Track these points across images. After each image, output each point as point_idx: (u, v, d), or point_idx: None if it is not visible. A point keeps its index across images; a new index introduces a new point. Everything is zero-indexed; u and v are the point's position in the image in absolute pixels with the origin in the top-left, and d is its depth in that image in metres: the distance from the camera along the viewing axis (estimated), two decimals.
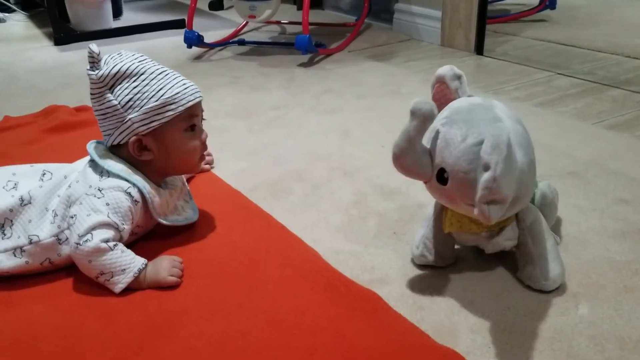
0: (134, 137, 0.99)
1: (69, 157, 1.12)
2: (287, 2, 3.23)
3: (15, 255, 0.96)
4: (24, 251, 0.96)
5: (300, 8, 3.12)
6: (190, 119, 1.01)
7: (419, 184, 1.24)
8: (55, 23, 2.58)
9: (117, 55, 0.99)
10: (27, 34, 2.84)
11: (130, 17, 3.08)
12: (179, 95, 0.99)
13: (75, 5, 2.70)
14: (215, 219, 1.12)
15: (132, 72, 0.97)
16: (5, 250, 0.96)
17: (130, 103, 0.97)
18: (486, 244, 0.94)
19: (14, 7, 3.30)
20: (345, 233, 1.09)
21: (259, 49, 2.43)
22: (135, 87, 0.97)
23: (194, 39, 2.27)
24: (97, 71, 0.97)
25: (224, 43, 2.47)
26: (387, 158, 1.38)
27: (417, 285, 0.94)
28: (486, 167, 0.76)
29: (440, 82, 0.92)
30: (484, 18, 2.24)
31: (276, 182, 1.29)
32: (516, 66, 2.10)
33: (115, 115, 0.98)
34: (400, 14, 2.62)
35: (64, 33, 2.61)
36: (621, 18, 2.87)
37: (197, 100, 1.01)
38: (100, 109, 0.99)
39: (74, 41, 2.59)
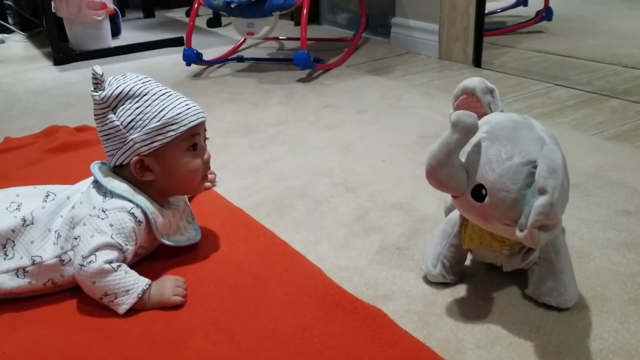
0: (135, 158, 0.99)
1: (71, 177, 1.12)
2: (284, 18, 3.25)
3: (17, 276, 0.96)
4: (27, 272, 0.96)
5: (297, 24, 3.14)
6: (191, 139, 1.02)
7: (421, 199, 1.25)
8: (54, 43, 2.59)
9: (121, 77, 1.00)
10: (26, 55, 2.85)
11: (128, 36, 3.09)
12: (180, 115, 0.99)
13: (74, 26, 2.71)
14: (218, 237, 1.12)
15: (134, 94, 0.98)
16: (8, 271, 0.95)
17: (132, 123, 0.98)
18: (505, 261, 0.92)
19: (12, 27, 3.32)
20: (349, 249, 1.09)
21: (258, 65, 2.44)
22: (137, 108, 0.98)
23: (193, 57, 2.28)
24: (100, 92, 0.98)
25: (222, 60, 2.49)
26: (388, 173, 1.39)
27: (422, 302, 0.94)
28: (542, 191, 0.74)
29: (469, 94, 0.90)
30: (481, 31, 2.25)
31: (278, 199, 1.29)
32: (514, 78, 2.11)
33: (118, 135, 0.99)
34: (397, 28, 2.63)
35: (64, 53, 2.61)
36: (617, 28, 2.89)
37: (199, 120, 1.02)
38: (104, 130, 1.00)
39: (73, 61, 2.60)
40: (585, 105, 1.79)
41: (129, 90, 0.98)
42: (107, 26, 2.79)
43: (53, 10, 2.64)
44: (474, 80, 0.90)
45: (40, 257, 0.96)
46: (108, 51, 2.70)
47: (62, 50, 2.62)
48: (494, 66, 2.26)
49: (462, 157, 0.84)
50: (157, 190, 1.03)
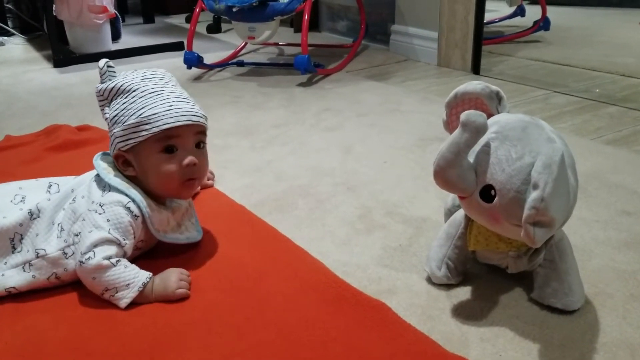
0: (116, 152, 1.00)
1: (72, 175, 1.11)
2: (284, 25, 3.27)
3: (24, 270, 0.95)
4: (32, 265, 0.95)
5: (297, 30, 3.16)
6: (166, 141, 0.97)
7: (422, 199, 1.25)
8: (54, 45, 2.60)
9: (129, 73, 1.01)
10: (26, 57, 2.86)
11: (128, 41, 3.10)
12: (156, 116, 0.96)
13: (74, 29, 2.72)
14: (221, 233, 1.12)
15: (125, 89, 0.99)
16: (16, 266, 0.96)
17: (116, 118, 0.99)
18: (511, 263, 0.92)
19: (12, 30, 3.32)
20: (351, 246, 1.09)
21: (258, 69, 2.45)
22: (123, 104, 0.98)
23: (194, 60, 2.29)
24: (99, 85, 1.01)
25: (223, 64, 2.50)
26: (389, 173, 1.40)
27: (425, 297, 0.94)
28: (535, 186, 0.74)
29: (471, 99, 0.89)
30: (480, 38, 2.27)
31: (281, 198, 1.29)
32: (513, 85, 2.12)
33: (109, 128, 1.01)
34: (396, 35, 2.65)
35: (64, 55, 2.62)
36: (613, 38, 2.92)
37: (179, 124, 0.96)
38: (105, 121, 1.02)
39: (73, 63, 2.60)
40: (584, 112, 1.81)
41: (121, 86, 0.99)
42: (107, 30, 2.80)
43: (54, 13, 2.65)
44: (476, 86, 0.89)
45: (45, 249, 0.96)
46: (108, 54, 2.70)
47: (62, 53, 2.63)
48: (493, 73, 2.28)
49: (471, 157, 0.83)
50: (146, 186, 1.01)
